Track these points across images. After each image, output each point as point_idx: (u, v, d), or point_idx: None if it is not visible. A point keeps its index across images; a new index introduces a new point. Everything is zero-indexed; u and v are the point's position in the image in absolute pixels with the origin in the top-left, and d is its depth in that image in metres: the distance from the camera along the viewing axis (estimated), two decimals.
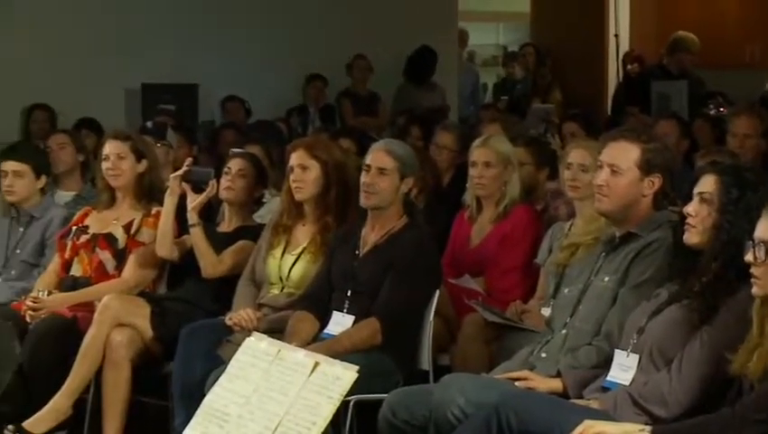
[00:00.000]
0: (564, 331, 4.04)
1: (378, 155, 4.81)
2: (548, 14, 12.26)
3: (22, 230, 5.84)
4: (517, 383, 3.87)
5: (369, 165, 4.80)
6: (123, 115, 9.55)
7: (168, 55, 9.63)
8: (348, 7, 10.40)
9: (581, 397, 3.76)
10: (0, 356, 3.88)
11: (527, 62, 11.60)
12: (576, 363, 3.89)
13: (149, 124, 7.27)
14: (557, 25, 12.01)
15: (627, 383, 3.65)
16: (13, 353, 3.93)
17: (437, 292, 4.81)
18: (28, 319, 5.26)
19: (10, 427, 4.94)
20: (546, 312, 4.88)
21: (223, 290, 5.30)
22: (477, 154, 5.49)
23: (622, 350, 3.72)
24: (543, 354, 4.04)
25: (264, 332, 4.54)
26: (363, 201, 4.80)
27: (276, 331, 4.69)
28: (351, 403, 4.34)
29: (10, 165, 5.84)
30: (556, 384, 3.84)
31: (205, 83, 9.78)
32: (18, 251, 5.80)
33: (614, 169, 3.93)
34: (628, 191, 3.94)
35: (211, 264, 5.32)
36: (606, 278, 3.99)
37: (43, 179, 5.92)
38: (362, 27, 10.49)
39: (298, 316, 4.81)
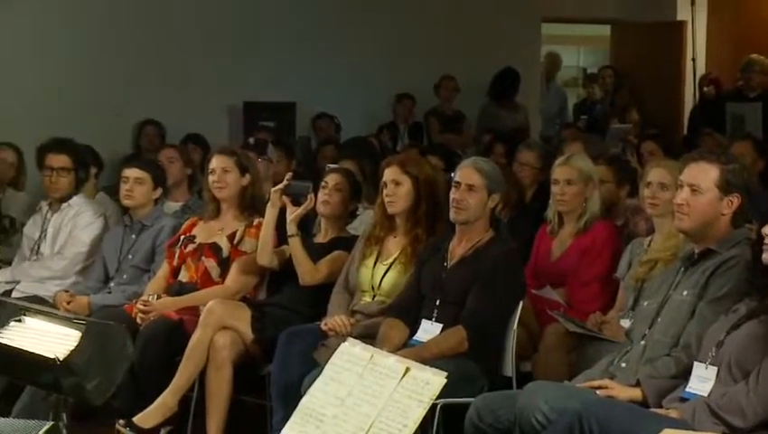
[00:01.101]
0: (643, 342, 3.99)
1: (467, 173, 4.79)
2: (628, 38, 12.13)
3: (134, 237, 5.89)
4: (598, 392, 3.83)
5: (458, 182, 4.78)
6: (226, 131, 9.64)
7: (268, 75, 9.67)
8: (436, 30, 10.39)
9: (660, 406, 3.71)
10: (115, 356, 3.87)
11: (606, 84, 11.48)
12: (656, 373, 3.85)
13: (251, 140, 7.33)
14: (636, 49, 11.88)
15: (706, 394, 3.61)
16: (126, 354, 3.94)
17: (521, 303, 4.78)
18: (138, 321, 5.33)
19: (121, 421, 5.01)
20: (624, 323, 4.83)
21: (319, 297, 5.30)
22: (559, 172, 5.44)
23: (701, 362, 3.67)
24: (623, 364, 3.99)
25: (356, 337, 4.56)
26: (453, 215, 4.78)
27: (368, 336, 4.69)
28: (439, 407, 4.31)
29: (133, 172, 5.91)
30: (635, 393, 3.80)
31: (302, 101, 9.81)
32: (130, 257, 5.86)
33: (695, 189, 3.89)
34: (707, 210, 3.89)
35: (308, 272, 5.33)
36: (685, 293, 3.93)
37: (159, 190, 5.98)
38: (450, 49, 10.47)
39: (389, 323, 4.80)
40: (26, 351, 3.84)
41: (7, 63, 8.27)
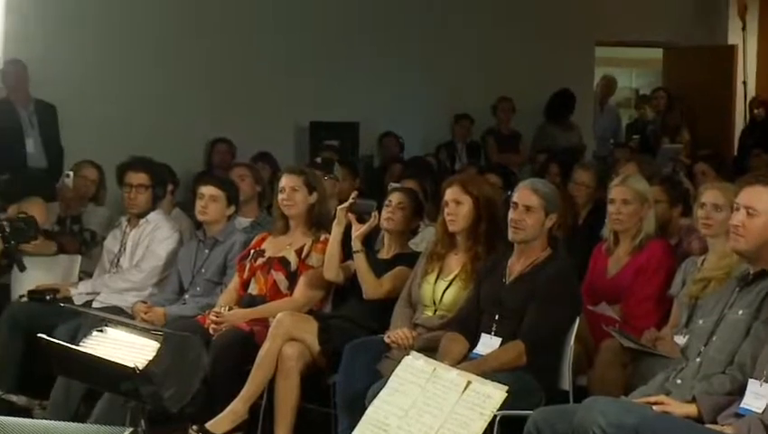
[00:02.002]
0: (698, 359, 3.93)
1: (525, 194, 4.77)
2: (680, 61, 12.03)
3: (207, 252, 5.92)
4: (654, 407, 3.78)
5: (516, 203, 4.76)
6: (292, 149, 9.70)
7: (333, 96, 9.71)
8: (495, 53, 10.39)
9: (715, 422, 3.66)
10: (191, 366, 3.91)
11: (658, 105, 11.40)
12: (711, 390, 3.79)
13: (318, 159, 7.35)
14: (688, 72, 11.77)
15: (760, 411, 3.55)
16: (201, 364, 3.98)
17: (578, 319, 4.75)
18: (211, 332, 5.35)
19: (194, 427, 5.04)
20: (678, 340, 4.77)
21: (382, 311, 5.30)
22: (616, 192, 5.40)
23: (756, 379, 3.62)
24: (678, 381, 3.94)
25: (418, 350, 4.57)
26: (511, 235, 4.77)
27: (429, 349, 4.69)
28: (498, 419, 4.29)
29: (208, 190, 5.93)
30: (691, 409, 3.74)
31: (365, 121, 9.84)
32: (203, 271, 5.88)
33: (750, 211, 3.83)
34: (763, 232, 3.83)
35: (372, 287, 5.34)
36: (740, 312, 3.87)
37: (232, 207, 6.01)
38: (507, 71, 10.46)
39: (450, 337, 4.78)
40: (108, 360, 3.88)
41: (92, 87, 8.37)
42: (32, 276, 5.84)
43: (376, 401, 4.13)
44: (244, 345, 5.25)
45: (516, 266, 4.78)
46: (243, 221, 6.60)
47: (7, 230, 3.26)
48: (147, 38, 8.79)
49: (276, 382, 5.13)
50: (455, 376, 3.97)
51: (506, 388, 3.83)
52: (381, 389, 4.19)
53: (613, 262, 5.41)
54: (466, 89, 10.37)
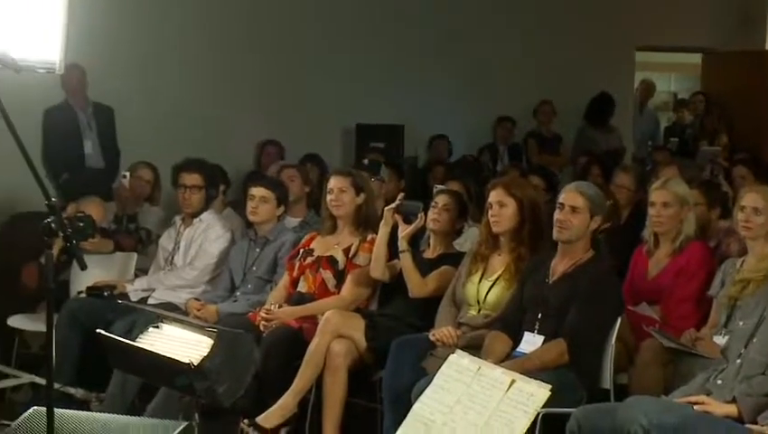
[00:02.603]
0: (739, 361, 3.90)
1: (571, 195, 4.75)
2: (718, 66, 11.91)
3: (258, 250, 5.94)
4: (695, 407, 3.75)
5: (562, 204, 4.74)
6: (339, 150, 9.72)
7: (379, 99, 9.71)
8: (536, 57, 10.34)
9: (755, 422, 3.63)
10: (243, 362, 3.92)
11: (696, 108, 11.31)
12: (751, 391, 3.76)
13: (366, 161, 7.35)
14: (726, 76, 11.65)
15: None
16: (253, 360, 4.00)
17: (619, 318, 4.72)
18: (261, 328, 5.37)
19: (245, 421, 5.06)
20: (717, 340, 4.74)
21: (427, 309, 5.29)
22: (656, 195, 5.36)
23: None
24: (719, 381, 3.91)
25: (462, 348, 4.57)
26: (556, 235, 4.74)
27: (473, 347, 4.68)
28: (540, 416, 4.27)
29: (259, 191, 5.96)
30: (731, 409, 3.72)
31: (409, 123, 9.82)
32: (254, 269, 5.90)
33: None
34: None
35: (417, 286, 5.33)
36: None
37: (282, 207, 6.03)
38: (548, 75, 10.41)
39: (494, 335, 4.77)
40: (163, 355, 3.90)
41: (147, 91, 8.43)
42: (90, 273, 5.89)
43: (422, 398, 4.13)
44: (293, 342, 5.26)
45: (559, 266, 4.76)
46: (292, 221, 6.62)
47: (69, 229, 3.28)
48: (201, 44, 8.84)
49: (324, 378, 5.14)
50: (500, 374, 3.96)
51: (549, 386, 3.82)
52: (427, 386, 4.19)
53: (654, 263, 5.37)
54: (508, 92, 10.34)
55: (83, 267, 3.34)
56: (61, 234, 3.23)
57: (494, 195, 5.09)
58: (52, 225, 3.25)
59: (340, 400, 5.12)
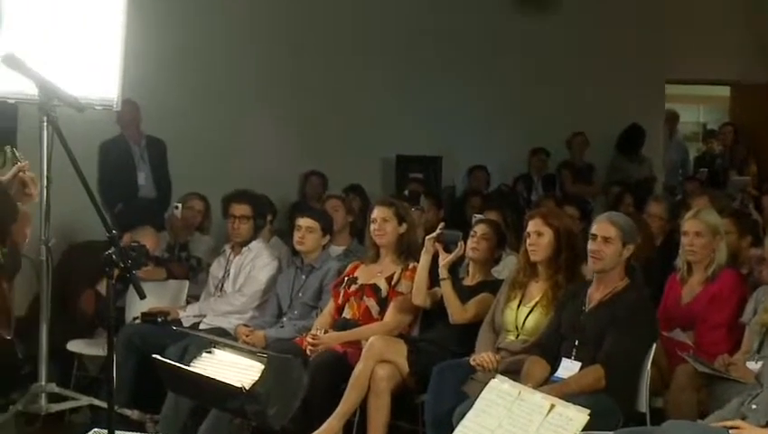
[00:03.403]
0: None
1: (603, 226, 4.75)
2: (746, 98, 11.84)
3: (304, 278, 5.96)
4: (730, 431, 3.72)
5: (595, 235, 4.74)
6: (379, 181, 9.76)
7: (418, 131, 9.74)
8: (569, 90, 10.33)
9: None
10: (292, 386, 3.93)
11: (725, 139, 11.23)
12: None
13: (406, 192, 7.37)
14: (754, 108, 11.57)
15: None
16: (302, 384, 4.00)
17: (654, 345, 4.69)
18: (308, 353, 5.38)
19: None
20: (750, 365, 4.70)
21: (467, 335, 5.29)
22: (689, 225, 5.34)
23: None
24: (753, 406, 3.86)
25: (501, 372, 4.55)
26: (591, 265, 4.74)
27: (512, 372, 4.64)
28: None
29: (305, 222, 5.99)
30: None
31: (447, 154, 9.85)
32: (300, 295, 5.92)
33: None
34: None
35: (458, 312, 5.33)
36: None
37: (326, 237, 6.05)
38: (581, 108, 10.40)
39: (532, 361, 4.75)
40: (216, 379, 3.92)
41: (197, 125, 8.52)
42: (145, 300, 5.92)
43: (464, 422, 4.10)
44: (338, 366, 5.27)
45: (595, 294, 4.75)
46: (336, 249, 6.65)
47: (129, 260, 3.32)
48: (248, 80, 8.93)
49: (368, 401, 5.13)
50: (539, 399, 3.94)
51: (588, 411, 3.79)
52: (468, 409, 4.17)
53: (687, 291, 5.35)
54: (542, 124, 10.33)
55: (142, 296, 3.38)
56: (122, 265, 3.27)
57: (532, 225, 5.10)
58: (113, 256, 3.28)
59: (383, 423, 5.12)
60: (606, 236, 4.70)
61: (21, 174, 3.13)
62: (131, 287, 3.41)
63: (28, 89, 4.80)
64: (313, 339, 5.43)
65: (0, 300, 3.05)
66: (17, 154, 3.20)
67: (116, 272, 3.45)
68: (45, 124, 5.31)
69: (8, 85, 5.18)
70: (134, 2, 5.65)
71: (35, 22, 5.21)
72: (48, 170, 5.23)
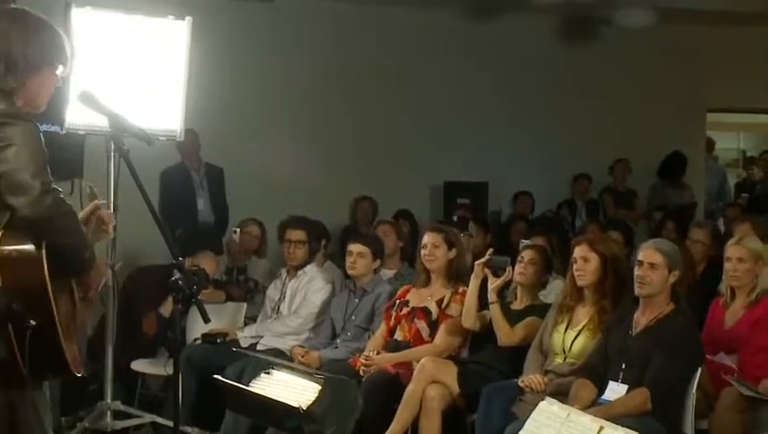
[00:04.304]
0: None
1: (649, 253, 4.73)
2: None
3: (357, 301, 5.98)
4: None
5: (641, 261, 4.72)
6: (428, 206, 9.76)
7: (465, 158, 9.75)
8: (613, 118, 10.28)
9: None
10: (348, 406, 3.97)
11: (765, 165, 11.10)
12: None
13: (455, 218, 7.37)
14: None
15: None
16: (357, 405, 4.04)
17: (700, 368, 4.65)
18: (361, 373, 5.38)
19: None
20: None
21: (515, 357, 5.27)
22: (732, 251, 5.28)
23: None
24: None
25: (550, 394, 4.53)
26: (637, 290, 4.72)
27: (559, 394, 4.64)
28: None
29: (356, 247, 6.00)
30: None
31: (493, 180, 9.84)
32: (353, 318, 5.94)
33: None
34: None
35: (506, 335, 5.31)
36: None
37: (378, 261, 6.06)
38: (624, 135, 10.34)
39: (579, 383, 4.73)
40: (275, 399, 3.97)
41: (254, 153, 8.60)
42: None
43: None
44: (391, 386, 5.28)
45: (642, 319, 4.72)
46: (387, 273, 6.64)
47: (194, 286, 3.35)
48: (302, 110, 9.01)
49: (419, 421, 5.13)
50: (588, 421, 3.92)
51: (635, 433, 3.77)
52: (518, 430, 4.17)
53: (730, 315, 5.28)
54: (585, 151, 10.28)
55: (207, 320, 3.40)
56: (188, 291, 3.30)
57: (579, 251, 5.08)
58: (180, 282, 3.31)
59: None
60: (652, 262, 4.69)
61: (99, 210, 3.17)
62: (191, 309, 3.45)
63: (96, 121, 4.93)
64: (366, 360, 5.44)
65: (81, 342, 3.08)
66: (95, 191, 3.26)
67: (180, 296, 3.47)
68: (113, 154, 5.40)
69: (77, 117, 5.27)
70: (195, 40, 5.73)
71: (104, 59, 5.30)
72: (115, 198, 5.30)
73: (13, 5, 3.22)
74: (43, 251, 2.83)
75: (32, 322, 2.80)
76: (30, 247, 2.83)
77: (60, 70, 3.07)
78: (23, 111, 2.94)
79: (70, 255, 2.92)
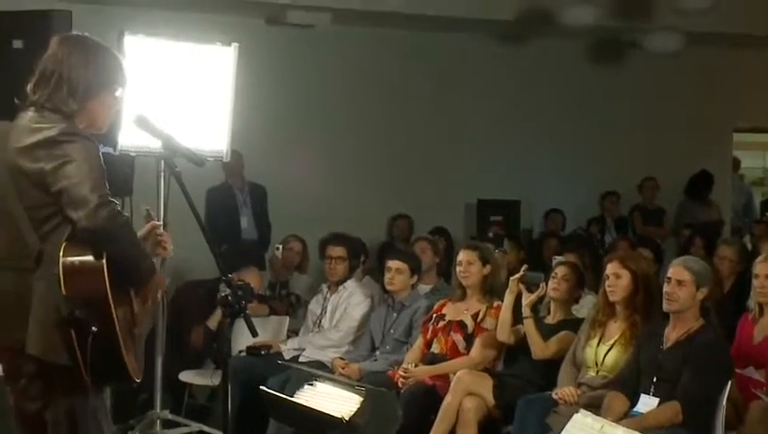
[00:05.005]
0: None
1: (677, 270, 4.70)
2: None
3: (395, 315, 5.97)
4: None
5: (670, 278, 4.70)
6: (461, 223, 9.76)
7: (498, 177, 9.75)
8: (641, 138, 10.25)
9: None
10: (388, 418, 3.98)
11: None
12: None
13: (490, 234, 7.37)
14: None
15: None
16: (396, 417, 4.04)
17: (729, 382, 4.61)
18: (399, 385, 5.39)
19: None
20: None
21: (549, 370, 5.25)
22: (760, 267, 5.22)
23: None
24: None
25: (583, 406, 4.51)
26: (666, 306, 4.69)
27: (592, 406, 4.61)
28: None
29: (395, 264, 5.99)
30: None
31: (524, 198, 9.83)
32: (392, 331, 5.93)
33: None
34: None
35: (540, 349, 5.30)
36: None
37: (415, 277, 6.05)
38: (652, 154, 10.30)
39: (612, 395, 4.70)
40: (318, 410, 3.98)
41: (295, 172, 8.66)
42: (249, 335, 6.00)
43: None
44: (428, 398, 5.27)
45: (672, 334, 4.69)
46: (424, 288, 6.63)
47: (242, 301, 3.39)
48: (340, 131, 9.08)
49: (456, 431, 5.13)
50: (622, 433, 3.90)
51: None
52: None
53: (759, 330, 5.22)
54: (614, 170, 10.25)
55: (254, 334, 3.45)
56: (237, 306, 3.34)
57: (611, 268, 5.06)
58: (228, 298, 3.36)
59: None
60: (680, 280, 4.67)
61: (155, 232, 3.25)
62: (236, 322, 3.50)
63: (147, 143, 5.00)
64: (404, 372, 5.45)
65: (138, 351, 3.14)
66: (151, 213, 3.33)
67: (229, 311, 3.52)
68: (163, 174, 5.47)
69: (128, 139, 5.34)
70: (240, 65, 5.79)
71: (155, 83, 5.37)
72: (165, 215, 5.35)
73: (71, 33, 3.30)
74: (104, 261, 2.91)
75: (94, 328, 2.87)
76: (91, 258, 2.91)
77: (118, 93, 3.14)
78: (84, 131, 3.02)
79: (129, 264, 2.99)
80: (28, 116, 3.03)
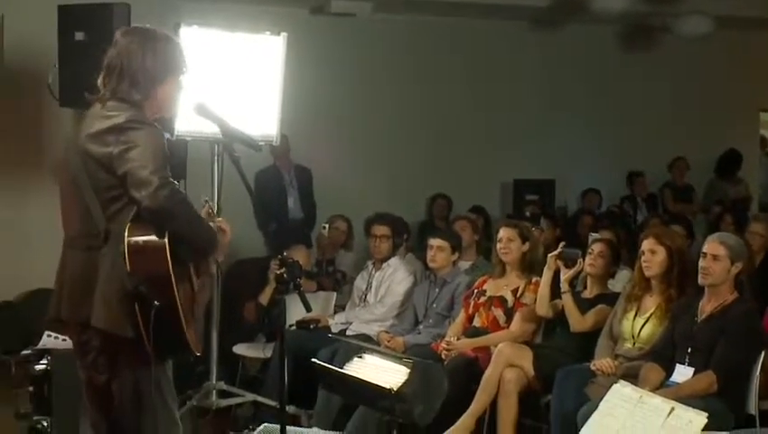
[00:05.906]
0: None
1: (713, 246, 4.65)
2: None
3: (437, 290, 5.97)
4: None
5: (705, 253, 4.64)
6: (498, 202, 9.71)
7: (532, 157, 9.67)
8: (671, 119, 10.12)
9: None
10: (435, 388, 3.95)
11: None
12: None
13: (528, 213, 7.32)
14: None
15: None
16: (443, 387, 4.01)
17: (762, 352, 4.55)
18: (443, 357, 5.40)
19: None
20: None
21: (586, 342, 5.23)
22: None
23: None
24: None
25: (620, 377, 4.48)
26: (701, 280, 4.64)
27: (629, 377, 4.57)
28: None
29: (436, 242, 5.97)
30: None
31: (559, 178, 9.76)
32: (434, 306, 5.93)
33: None
34: None
35: (577, 322, 5.28)
36: None
37: (456, 254, 6.04)
38: (682, 134, 10.17)
39: (648, 367, 4.67)
40: (368, 381, 3.96)
41: (339, 154, 8.66)
42: (299, 309, 5.99)
43: (589, 422, 4.04)
44: (471, 369, 5.29)
45: (707, 306, 4.64)
46: (464, 264, 6.60)
47: (297, 279, 3.40)
48: (382, 115, 9.04)
49: (498, 401, 5.13)
50: (660, 403, 3.86)
51: (706, 414, 3.70)
52: (592, 410, 4.11)
53: None
54: (645, 150, 10.13)
55: (309, 309, 3.47)
56: (292, 283, 3.35)
57: (646, 244, 5.02)
58: (284, 275, 3.37)
59: (512, 421, 5.10)
60: (715, 254, 4.61)
61: (216, 220, 3.28)
62: (286, 298, 3.56)
63: (201, 128, 5.01)
64: (447, 345, 5.45)
65: (198, 325, 3.18)
66: (209, 202, 3.37)
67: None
68: (216, 158, 5.49)
69: (183, 125, 5.35)
70: (288, 53, 5.78)
71: (209, 72, 5.37)
72: (218, 199, 5.37)
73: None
74: (166, 241, 2.93)
75: (157, 302, 2.90)
76: (154, 237, 2.94)
77: (182, 78, 3.16)
78: (149, 118, 3.05)
79: (192, 238, 3.03)
80: (99, 105, 3.09)
